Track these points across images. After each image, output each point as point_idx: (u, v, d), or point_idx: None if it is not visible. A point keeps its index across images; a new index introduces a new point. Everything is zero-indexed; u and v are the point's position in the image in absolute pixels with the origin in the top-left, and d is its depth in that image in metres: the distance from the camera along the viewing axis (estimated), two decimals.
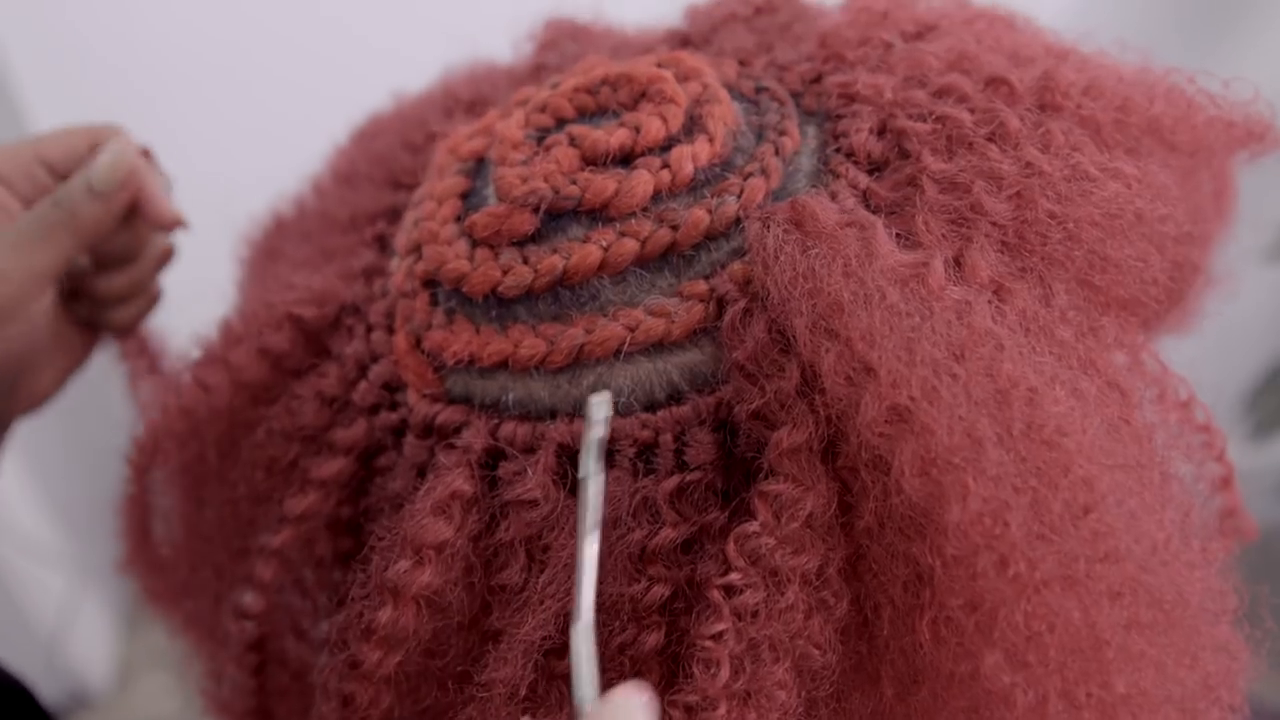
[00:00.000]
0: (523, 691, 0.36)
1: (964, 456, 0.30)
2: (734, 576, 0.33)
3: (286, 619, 0.44)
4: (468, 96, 0.50)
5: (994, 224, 0.37)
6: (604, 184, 0.38)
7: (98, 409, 1.60)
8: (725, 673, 0.32)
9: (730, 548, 0.33)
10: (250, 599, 0.42)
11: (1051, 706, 0.31)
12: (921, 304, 0.32)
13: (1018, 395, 0.31)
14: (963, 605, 0.31)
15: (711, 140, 0.39)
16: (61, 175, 0.51)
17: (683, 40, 0.49)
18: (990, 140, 0.38)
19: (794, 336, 0.33)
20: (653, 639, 0.35)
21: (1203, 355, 0.50)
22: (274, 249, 0.53)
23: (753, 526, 0.33)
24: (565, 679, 0.36)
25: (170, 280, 0.55)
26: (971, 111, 0.39)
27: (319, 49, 1.07)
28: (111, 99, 1.20)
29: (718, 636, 0.32)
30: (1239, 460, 0.45)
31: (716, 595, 0.33)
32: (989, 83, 0.40)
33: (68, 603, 1.68)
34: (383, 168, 0.49)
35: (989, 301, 0.33)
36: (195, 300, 0.53)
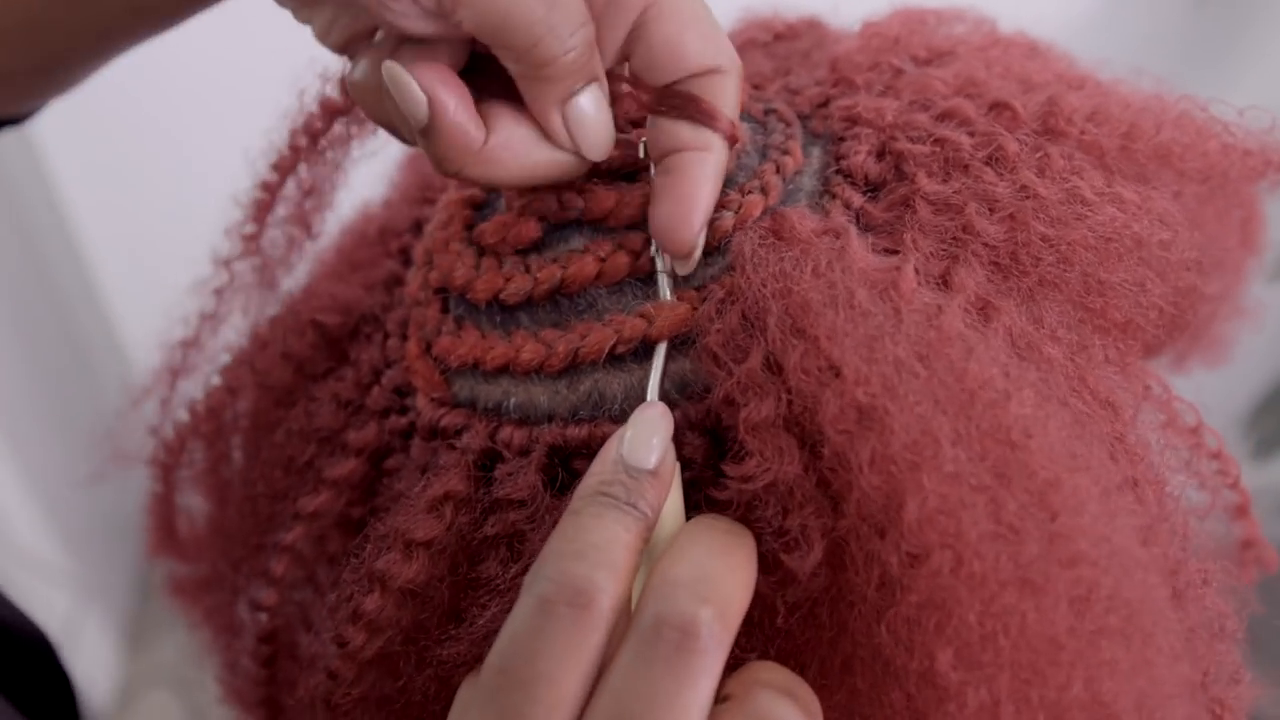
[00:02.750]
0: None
1: (921, 454, 0.30)
2: None
3: (298, 613, 0.46)
4: None
5: (986, 245, 0.37)
6: (605, 196, 0.39)
7: (103, 429, 1.64)
8: None
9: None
10: (264, 593, 0.44)
11: (1003, 708, 0.32)
12: (890, 306, 0.33)
13: (983, 397, 0.31)
14: (920, 603, 0.31)
15: None
16: None
17: None
18: (987, 164, 0.39)
19: (764, 333, 0.34)
20: None
21: (1204, 373, 0.49)
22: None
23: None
24: None
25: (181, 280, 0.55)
26: (971, 135, 0.40)
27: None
28: (124, 100, 1.22)
29: None
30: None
31: None
32: (992, 107, 0.41)
33: (70, 621, 1.71)
34: (417, 183, 0.51)
35: (965, 310, 0.34)
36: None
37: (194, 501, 0.50)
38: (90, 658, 1.76)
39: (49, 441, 1.66)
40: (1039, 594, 0.31)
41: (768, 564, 0.34)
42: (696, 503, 0.36)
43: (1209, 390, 0.44)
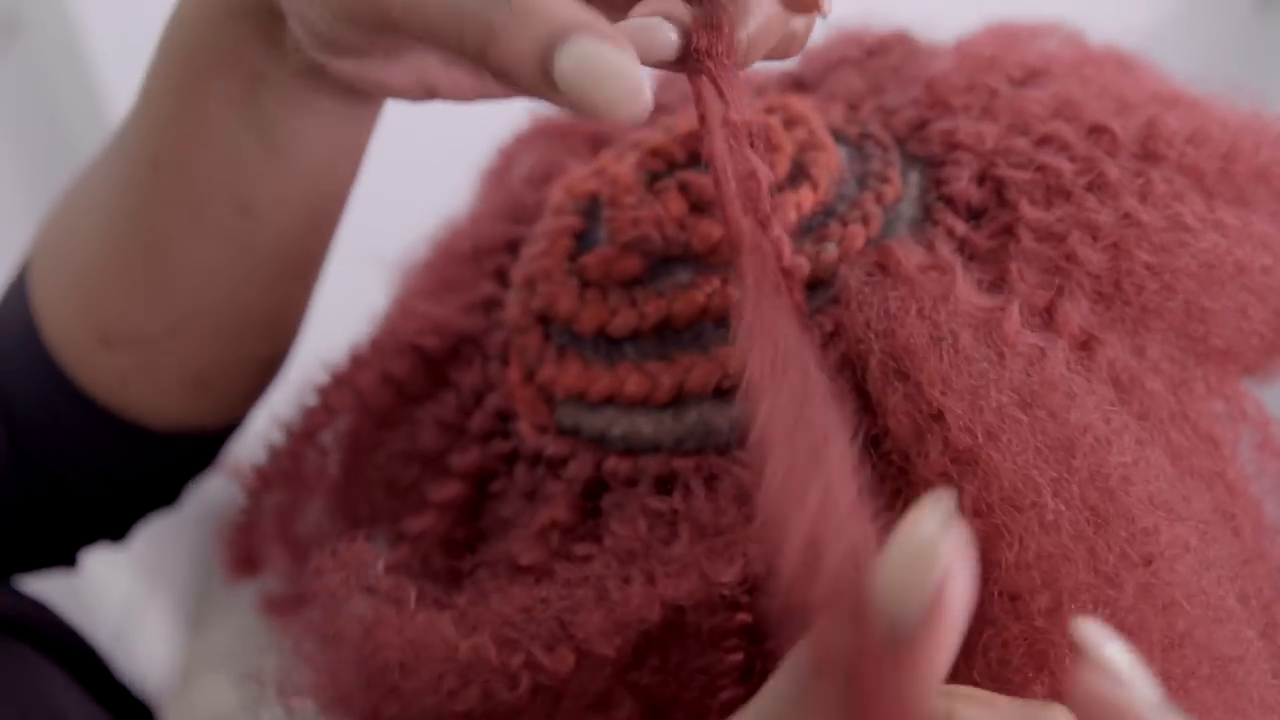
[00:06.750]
0: None
1: (1022, 501, 0.31)
2: None
3: None
4: (588, 131, 0.52)
5: (1089, 274, 0.37)
6: (709, 230, 0.39)
7: None
8: None
9: None
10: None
11: None
12: (994, 349, 0.33)
13: (1083, 443, 0.32)
14: (1016, 640, 0.32)
15: (815, 188, 0.40)
16: None
17: (795, 81, 0.50)
18: (1089, 190, 0.39)
19: (863, 374, 0.35)
20: None
21: None
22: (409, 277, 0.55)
23: None
24: None
25: None
26: (1072, 160, 0.40)
27: None
28: None
29: None
30: None
31: None
32: (1091, 131, 0.40)
33: (131, 602, 1.73)
34: (507, 200, 0.51)
35: (1066, 350, 0.34)
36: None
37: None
38: (151, 638, 1.79)
39: None
40: (1133, 639, 0.31)
41: None
42: None
43: None
